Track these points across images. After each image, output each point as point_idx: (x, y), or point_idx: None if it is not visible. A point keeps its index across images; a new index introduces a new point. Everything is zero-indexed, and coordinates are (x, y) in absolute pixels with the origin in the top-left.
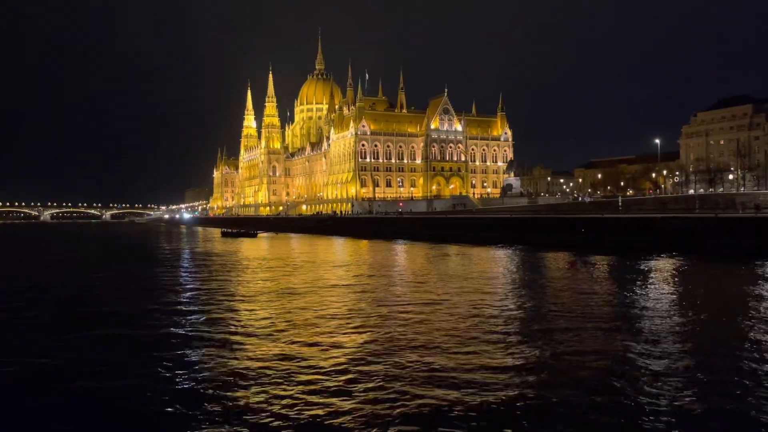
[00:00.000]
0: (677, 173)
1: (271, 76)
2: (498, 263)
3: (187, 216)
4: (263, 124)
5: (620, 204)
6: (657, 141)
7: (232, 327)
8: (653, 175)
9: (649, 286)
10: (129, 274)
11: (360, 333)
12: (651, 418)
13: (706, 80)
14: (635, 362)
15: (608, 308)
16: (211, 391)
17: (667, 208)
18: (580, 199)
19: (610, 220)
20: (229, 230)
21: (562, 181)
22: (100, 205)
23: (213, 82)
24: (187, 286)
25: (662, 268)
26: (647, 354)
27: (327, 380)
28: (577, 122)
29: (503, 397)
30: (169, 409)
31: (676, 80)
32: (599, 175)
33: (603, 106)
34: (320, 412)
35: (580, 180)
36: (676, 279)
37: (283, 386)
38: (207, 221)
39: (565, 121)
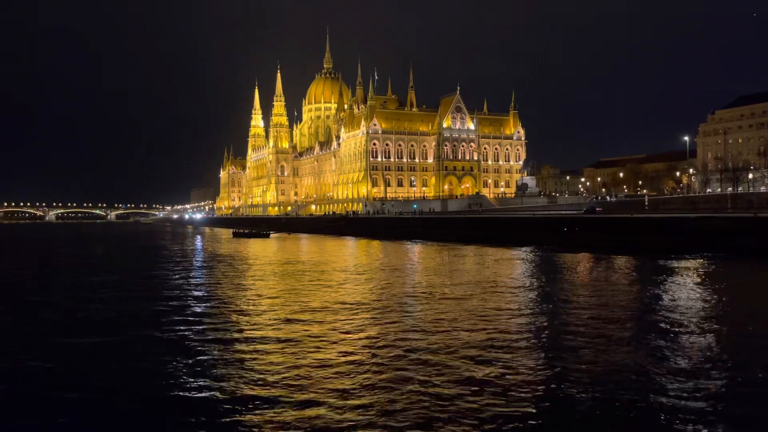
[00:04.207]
0: (694, 172)
1: (279, 75)
2: (534, 267)
3: (197, 216)
4: (271, 124)
5: (646, 203)
6: (686, 138)
7: (260, 331)
8: (677, 173)
9: (690, 289)
10: (149, 278)
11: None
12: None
13: (715, 79)
14: (678, 371)
15: (646, 313)
16: (220, 388)
17: (697, 207)
18: (601, 198)
19: (640, 219)
20: (241, 231)
21: (578, 180)
22: (105, 205)
23: (220, 81)
24: (211, 291)
25: (698, 269)
26: (693, 367)
27: (338, 383)
28: (583, 122)
29: (524, 403)
30: (174, 408)
31: (683, 79)
32: (620, 174)
33: (608, 105)
34: (332, 414)
35: (599, 179)
36: (717, 281)
37: (295, 387)
38: (215, 221)
39: (569, 120)
